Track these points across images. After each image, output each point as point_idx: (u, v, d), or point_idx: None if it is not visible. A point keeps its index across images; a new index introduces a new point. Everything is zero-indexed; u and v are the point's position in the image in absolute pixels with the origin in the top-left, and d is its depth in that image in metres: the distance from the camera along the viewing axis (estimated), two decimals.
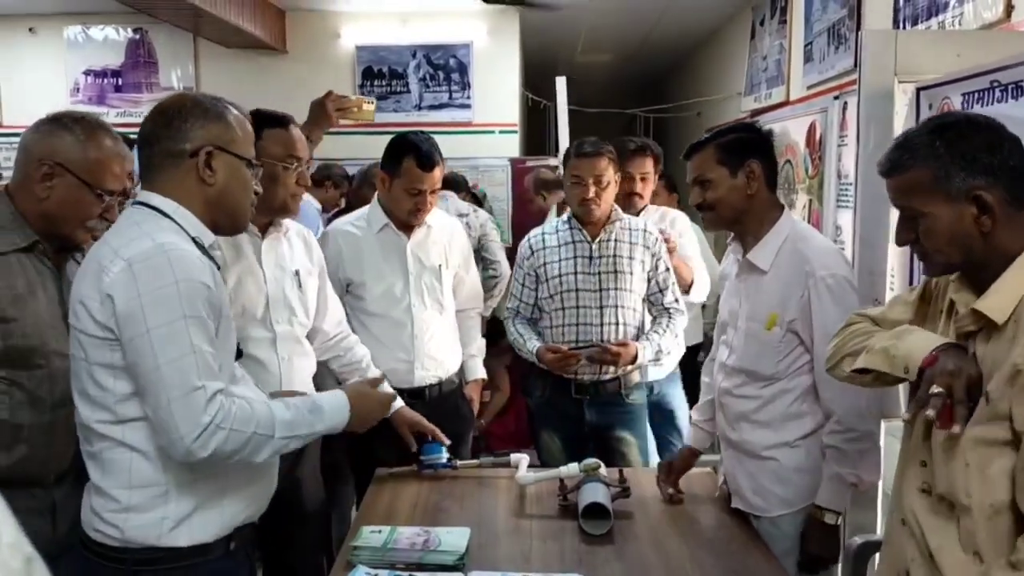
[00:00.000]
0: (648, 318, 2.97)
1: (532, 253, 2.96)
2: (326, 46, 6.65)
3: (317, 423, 1.68)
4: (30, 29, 6.69)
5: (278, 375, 2.24)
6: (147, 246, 1.51)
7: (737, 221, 2.11)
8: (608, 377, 2.88)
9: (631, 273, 2.88)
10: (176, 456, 1.51)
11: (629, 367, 2.87)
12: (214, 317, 1.56)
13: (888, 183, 1.50)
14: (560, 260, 2.90)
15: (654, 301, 2.95)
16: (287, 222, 2.36)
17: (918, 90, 2.22)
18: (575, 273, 2.88)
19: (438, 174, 2.70)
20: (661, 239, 2.97)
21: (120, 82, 6.77)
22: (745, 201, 2.06)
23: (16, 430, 1.78)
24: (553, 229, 2.98)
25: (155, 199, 1.61)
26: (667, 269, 2.95)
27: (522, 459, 2.37)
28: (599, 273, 2.87)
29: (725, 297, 2.28)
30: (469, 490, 2.30)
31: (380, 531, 1.94)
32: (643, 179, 3.40)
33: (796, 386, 2.05)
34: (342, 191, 4.79)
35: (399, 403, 2.34)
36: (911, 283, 2.31)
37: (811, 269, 1.98)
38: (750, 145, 2.08)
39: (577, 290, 2.86)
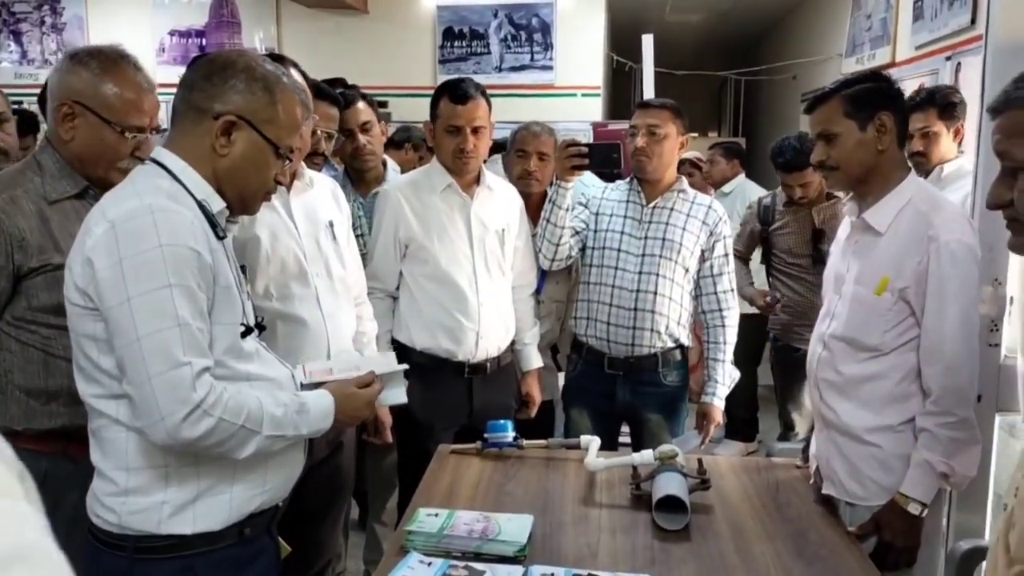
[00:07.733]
0: (689, 301, 2.79)
1: (601, 195, 2.87)
2: (407, 6, 6.55)
3: (302, 425, 1.54)
4: None
5: (324, 333, 2.10)
6: (133, 206, 1.39)
7: (863, 180, 1.92)
8: (644, 352, 2.73)
9: (680, 244, 2.72)
10: (156, 439, 1.39)
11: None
12: (206, 288, 1.42)
13: None
14: (612, 215, 2.81)
15: (704, 286, 2.79)
16: (310, 172, 2.22)
17: None
18: (621, 233, 2.77)
19: (477, 110, 2.54)
20: (726, 220, 2.79)
21: (204, 43, 6.80)
22: (874, 157, 1.88)
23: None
24: (616, 186, 2.91)
25: (164, 155, 1.49)
26: (726, 255, 2.79)
27: (593, 441, 2.21)
28: (645, 238, 2.74)
29: (831, 263, 2.09)
30: (535, 473, 2.15)
31: (437, 515, 1.82)
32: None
33: (903, 363, 1.86)
34: (421, 153, 4.71)
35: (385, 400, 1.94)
36: None
37: (935, 233, 1.79)
38: (881, 95, 1.89)
39: (619, 250, 2.75)
